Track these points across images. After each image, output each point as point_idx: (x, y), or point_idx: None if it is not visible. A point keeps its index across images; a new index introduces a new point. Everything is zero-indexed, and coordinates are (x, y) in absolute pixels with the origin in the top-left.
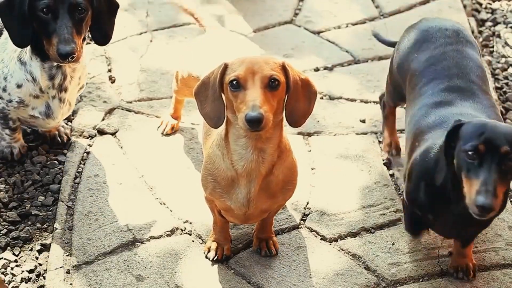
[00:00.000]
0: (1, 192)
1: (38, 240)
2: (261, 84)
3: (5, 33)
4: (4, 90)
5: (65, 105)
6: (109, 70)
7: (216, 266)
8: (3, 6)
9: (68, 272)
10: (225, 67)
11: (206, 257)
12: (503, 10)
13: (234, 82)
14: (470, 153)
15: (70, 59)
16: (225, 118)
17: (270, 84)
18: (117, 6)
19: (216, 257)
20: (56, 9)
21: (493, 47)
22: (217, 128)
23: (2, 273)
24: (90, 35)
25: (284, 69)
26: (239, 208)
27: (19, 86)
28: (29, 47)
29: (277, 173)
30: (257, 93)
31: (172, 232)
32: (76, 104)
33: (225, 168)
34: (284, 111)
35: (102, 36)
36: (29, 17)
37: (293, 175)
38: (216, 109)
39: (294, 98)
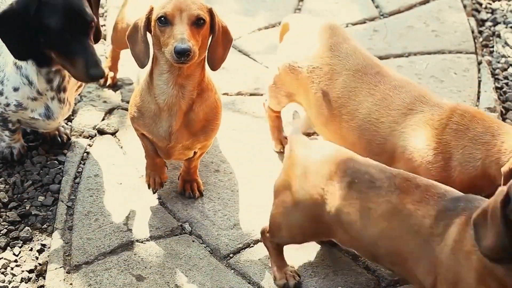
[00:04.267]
0: (1, 192)
1: (38, 240)
2: (188, 21)
3: None
4: (1, 93)
5: (65, 105)
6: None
7: (216, 266)
8: (2, 18)
9: (68, 272)
10: (151, 9)
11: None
12: (503, 10)
13: (162, 18)
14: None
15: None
16: (152, 56)
17: (197, 22)
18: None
19: (155, 189)
20: (74, 29)
21: (493, 47)
22: (143, 68)
23: (2, 273)
24: None
25: (210, 13)
26: (161, 141)
27: (15, 90)
28: None
29: (197, 110)
30: (184, 28)
31: (172, 232)
32: (76, 104)
33: (149, 100)
34: (206, 52)
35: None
36: (35, 31)
37: (215, 116)
38: (143, 49)
39: (216, 43)
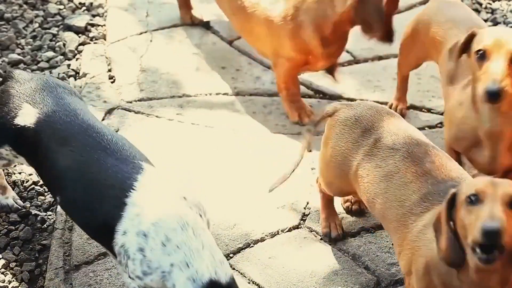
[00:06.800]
0: None
1: (38, 240)
2: (505, 58)
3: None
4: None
5: None
6: (109, 70)
7: None
8: None
9: (68, 272)
10: (472, 35)
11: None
12: (503, 10)
13: (480, 52)
14: None
15: None
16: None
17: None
18: None
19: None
20: None
21: None
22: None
23: (2, 273)
24: None
25: None
26: (482, 167)
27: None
28: None
29: None
30: (499, 66)
31: None
32: None
33: (472, 125)
34: None
35: None
36: None
37: None
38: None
39: None
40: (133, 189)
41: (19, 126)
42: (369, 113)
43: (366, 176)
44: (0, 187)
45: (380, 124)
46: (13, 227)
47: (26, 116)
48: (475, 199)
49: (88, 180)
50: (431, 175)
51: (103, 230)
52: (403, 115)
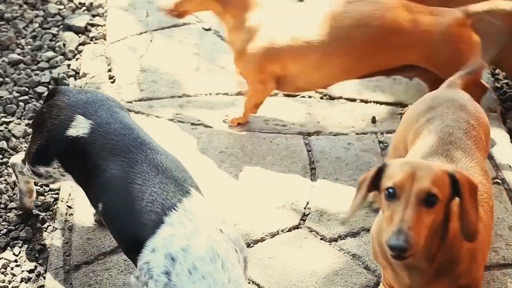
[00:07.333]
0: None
1: (38, 240)
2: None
3: None
4: None
5: None
6: (109, 70)
7: None
8: None
9: (68, 272)
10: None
11: None
12: None
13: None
14: None
15: None
16: None
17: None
18: None
19: None
20: None
21: None
22: None
23: (2, 273)
24: None
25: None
26: None
27: None
28: None
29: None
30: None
31: None
32: None
33: None
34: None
35: None
36: None
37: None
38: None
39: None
40: (175, 209)
41: (71, 137)
42: (443, 97)
43: (410, 151)
44: (29, 192)
45: (442, 108)
46: (13, 227)
47: (79, 127)
48: (392, 192)
49: (134, 191)
50: (456, 157)
51: (134, 242)
52: None
